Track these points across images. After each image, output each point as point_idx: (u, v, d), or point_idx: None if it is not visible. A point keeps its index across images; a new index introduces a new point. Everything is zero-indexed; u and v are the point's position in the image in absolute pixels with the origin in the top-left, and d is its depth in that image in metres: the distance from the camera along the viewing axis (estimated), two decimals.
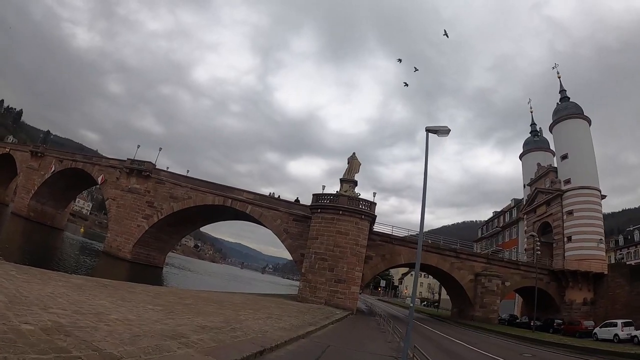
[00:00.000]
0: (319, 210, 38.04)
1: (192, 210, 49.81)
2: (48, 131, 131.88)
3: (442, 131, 16.81)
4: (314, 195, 39.35)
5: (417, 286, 14.60)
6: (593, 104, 55.75)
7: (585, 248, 45.58)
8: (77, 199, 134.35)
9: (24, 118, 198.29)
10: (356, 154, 41.02)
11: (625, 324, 30.56)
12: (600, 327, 32.76)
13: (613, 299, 41.58)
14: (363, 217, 37.43)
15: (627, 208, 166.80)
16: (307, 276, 36.85)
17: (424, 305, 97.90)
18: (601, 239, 46.73)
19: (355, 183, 40.16)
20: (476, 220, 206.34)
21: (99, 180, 55.86)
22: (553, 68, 60.34)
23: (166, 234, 53.21)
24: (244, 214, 47.01)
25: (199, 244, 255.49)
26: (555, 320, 41.10)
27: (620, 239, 74.00)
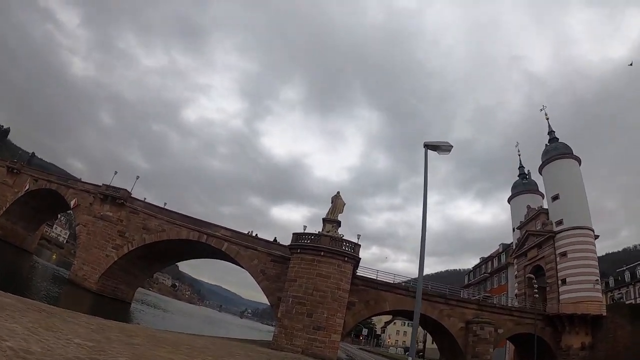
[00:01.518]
0: (298, 251, 34.66)
1: (165, 244, 46.14)
2: (33, 153, 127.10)
3: (443, 148, 14.13)
4: (294, 234, 36.07)
5: (415, 334, 11.94)
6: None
7: (581, 290, 42.57)
8: (55, 226, 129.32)
9: (10, 137, 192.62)
10: (340, 194, 38.07)
11: None
12: None
13: (614, 341, 38.66)
14: (346, 259, 34.08)
15: (610, 252, 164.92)
16: (283, 322, 33.07)
17: (407, 354, 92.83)
18: (597, 280, 44.01)
19: (339, 224, 37.01)
20: (459, 269, 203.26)
21: (72, 204, 52.18)
22: (541, 110, 58.95)
23: (137, 267, 49.19)
24: (220, 252, 43.34)
25: (176, 284, 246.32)
26: None
27: (611, 280, 71.38)
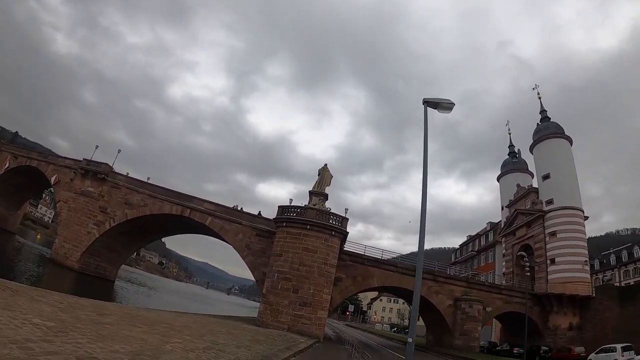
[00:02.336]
0: (284, 224, 32.97)
1: (148, 220, 44.24)
2: (17, 132, 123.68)
3: (444, 106, 12.56)
4: (279, 207, 34.32)
5: (416, 314, 10.20)
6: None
7: (570, 270, 42.16)
8: (40, 206, 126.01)
9: None
10: (327, 166, 36.45)
11: (625, 348, 26.95)
12: (597, 353, 28.95)
13: (602, 322, 38.35)
14: (333, 233, 32.44)
15: (593, 236, 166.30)
16: (269, 298, 31.57)
17: (394, 331, 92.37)
18: (586, 261, 43.68)
19: (326, 197, 35.35)
20: (444, 247, 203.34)
21: (52, 180, 49.94)
22: (533, 89, 57.73)
23: (120, 244, 47.28)
24: (203, 227, 41.59)
25: (163, 261, 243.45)
26: (542, 347, 37.35)
27: (597, 263, 71.32)
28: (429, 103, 12.96)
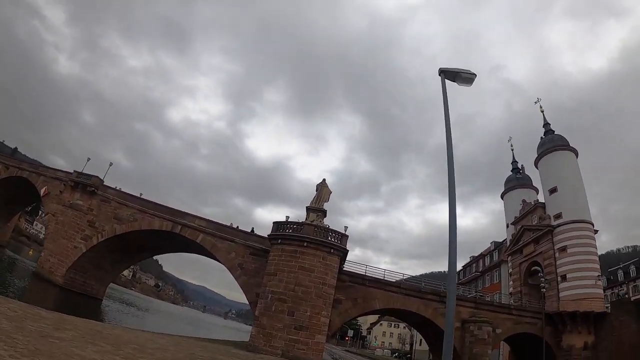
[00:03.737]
0: (279, 241, 30.03)
1: (137, 236, 41.34)
2: (16, 148, 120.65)
3: (464, 77, 9.91)
4: (274, 223, 31.43)
5: (451, 337, 8.13)
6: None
7: (583, 287, 38.85)
8: (35, 223, 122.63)
9: None
10: (326, 181, 33.67)
11: None
12: None
13: (618, 340, 35.04)
14: (332, 250, 29.50)
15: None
16: (262, 320, 28.44)
17: (395, 356, 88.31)
18: (599, 276, 40.42)
19: (324, 213, 32.52)
20: (442, 271, 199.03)
21: (42, 192, 47.30)
22: (536, 102, 55.17)
23: (108, 261, 44.29)
24: (195, 244, 38.57)
25: (160, 284, 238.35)
26: None
27: (604, 280, 68.16)
28: (446, 73, 10.51)
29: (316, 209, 31.77)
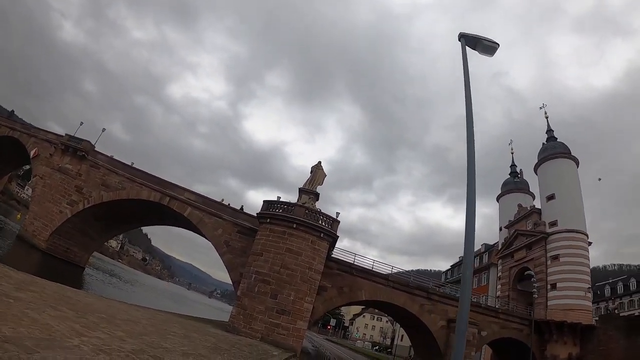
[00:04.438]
0: (268, 220, 28.59)
1: (124, 205, 39.75)
2: (12, 111, 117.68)
3: (486, 44, 8.46)
4: (264, 202, 29.96)
5: (464, 334, 6.83)
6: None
7: (572, 297, 38.20)
8: (27, 187, 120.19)
9: None
10: (322, 164, 32.24)
11: None
12: None
13: (605, 354, 34.34)
14: (322, 235, 28.10)
15: None
16: (243, 301, 27.10)
17: (375, 350, 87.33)
18: (589, 288, 39.67)
19: (317, 196, 31.12)
20: (430, 270, 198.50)
21: (31, 153, 45.34)
22: (541, 108, 54.20)
23: (93, 229, 42.65)
24: (182, 218, 37.04)
25: (147, 258, 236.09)
26: None
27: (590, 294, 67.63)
28: (467, 39, 9.11)
29: (309, 191, 30.37)
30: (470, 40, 9.30)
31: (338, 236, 29.36)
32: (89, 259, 48.15)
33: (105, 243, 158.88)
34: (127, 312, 18.48)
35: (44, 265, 33.73)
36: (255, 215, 30.76)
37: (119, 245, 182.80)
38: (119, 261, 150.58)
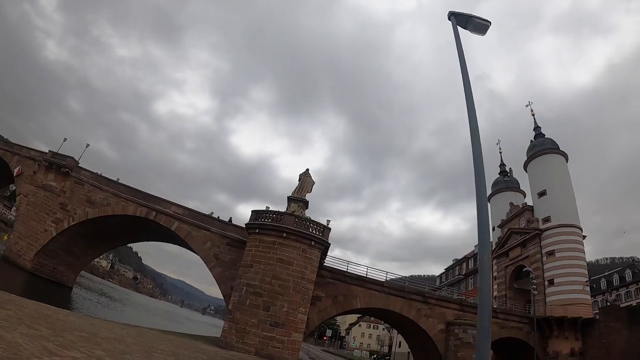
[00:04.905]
0: (257, 231, 27.55)
1: (110, 222, 38.55)
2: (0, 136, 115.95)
3: (476, 23, 7.65)
4: (253, 211, 28.91)
5: (488, 337, 5.61)
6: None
7: (570, 292, 37.43)
8: (14, 208, 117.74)
9: None
10: (309, 171, 31.36)
11: None
12: None
13: (607, 347, 33.53)
14: (313, 243, 27.13)
15: None
16: (235, 315, 25.97)
17: (373, 358, 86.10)
18: (587, 281, 39.07)
19: (306, 204, 30.27)
20: (423, 275, 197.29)
21: (15, 172, 44.17)
22: (527, 106, 53.89)
23: (79, 247, 41.35)
24: (170, 233, 35.88)
25: (138, 276, 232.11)
26: None
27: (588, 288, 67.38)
28: (457, 17, 8.29)
29: (298, 199, 29.47)
30: (460, 19, 8.51)
31: (330, 244, 28.39)
32: (77, 279, 46.70)
33: (95, 263, 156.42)
34: (112, 330, 17.33)
35: (30, 285, 32.59)
36: (244, 226, 29.67)
37: (109, 264, 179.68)
38: (109, 281, 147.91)
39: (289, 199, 29.70)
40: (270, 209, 28.42)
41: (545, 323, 36.42)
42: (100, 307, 43.53)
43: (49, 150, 43.20)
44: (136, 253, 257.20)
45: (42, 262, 38.65)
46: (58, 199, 39.48)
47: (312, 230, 27.32)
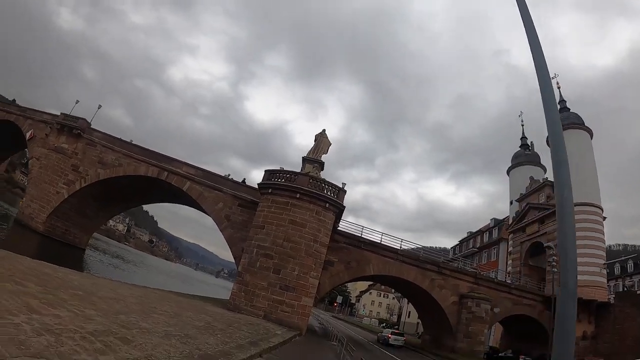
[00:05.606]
0: (269, 191, 26.38)
1: (122, 183, 37.88)
2: (14, 100, 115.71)
3: None
4: (266, 171, 27.68)
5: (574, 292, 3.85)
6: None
7: (587, 273, 35.94)
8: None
9: None
10: (326, 132, 29.85)
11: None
12: None
13: (621, 333, 32.57)
14: (327, 205, 25.87)
15: None
16: (244, 277, 25.08)
17: (382, 327, 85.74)
18: (604, 264, 37.45)
19: (322, 165, 28.97)
20: (435, 247, 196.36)
21: (27, 135, 43.45)
22: (553, 78, 50.87)
23: (91, 209, 40.87)
24: (182, 193, 34.91)
25: (154, 239, 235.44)
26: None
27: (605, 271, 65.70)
28: None
29: (313, 159, 28.15)
30: None
31: (344, 207, 27.10)
32: (93, 242, 46.53)
33: (112, 226, 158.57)
34: (115, 290, 16.50)
35: (42, 247, 32.09)
36: (257, 186, 28.43)
37: (126, 228, 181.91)
38: (125, 244, 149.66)
39: (304, 159, 28.40)
40: (284, 169, 27.08)
41: None
42: (111, 268, 43.35)
43: (61, 113, 42.49)
44: (152, 217, 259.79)
45: (54, 225, 38.36)
46: (70, 160, 38.97)
47: (327, 192, 26.02)
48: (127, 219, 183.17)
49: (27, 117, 45.58)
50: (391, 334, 36.29)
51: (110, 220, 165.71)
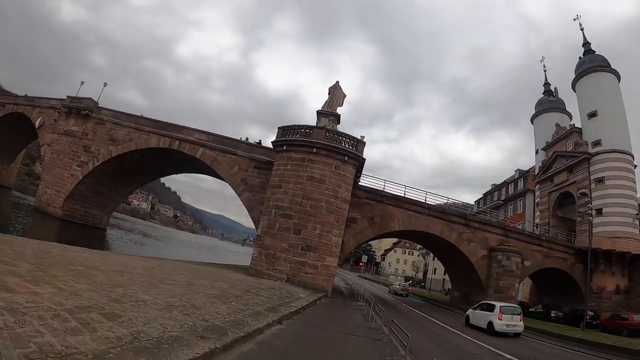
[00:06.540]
0: (284, 148, 24.75)
1: (134, 157, 36.79)
2: (26, 95, 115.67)
3: None
4: (279, 128, 25.95)
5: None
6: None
7: (619, 224, 33.80)
8: None
9: (3, 85, 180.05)
10: (339, 84, 27.78)
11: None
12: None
13: None
14: (347, 158, 24.13)
15: None
16: (264, 240, 23.77)
17: (409, 284, 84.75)
18: (637, 214, 34.58)
19: (338, 118, 27.11)
20: (459, 201, 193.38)
21: (37, 124, 42.74)
22: (575, 20, 47.40)
23: (108, 187, 40.01)
24: (196, 161, 33.47)
25: (178, 214, 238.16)
26: (588, 312, 28.96)
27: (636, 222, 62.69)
28: None
29: (328, 112, 26.29)
30: None
31: (364, 159, 25.30)
32: (115, 221, 46.07)
33: (136, 205, 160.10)
34: (124, 263, 15.26)
35: (63, 231, 31.49)
36: (272, 145, 26.71)
37: (149, 205, 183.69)
38: (151, 221, 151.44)
39: (319, 113, 26.62)
40: (298, 125, 25.25)
41: (592, 256, 32.81)
42: (131, 244, 42.96)
43: (67, 96, 41.47)
44: (175, 192, 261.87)
45: (72, 208, 37.97)
46: (81, 142, 38.29)
47: (345, 145, 24.23)
48: (150, 197, 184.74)
49: (35, 105, 45.07)
50: (398, 286, 48.95)
51: (134, 200, 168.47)
